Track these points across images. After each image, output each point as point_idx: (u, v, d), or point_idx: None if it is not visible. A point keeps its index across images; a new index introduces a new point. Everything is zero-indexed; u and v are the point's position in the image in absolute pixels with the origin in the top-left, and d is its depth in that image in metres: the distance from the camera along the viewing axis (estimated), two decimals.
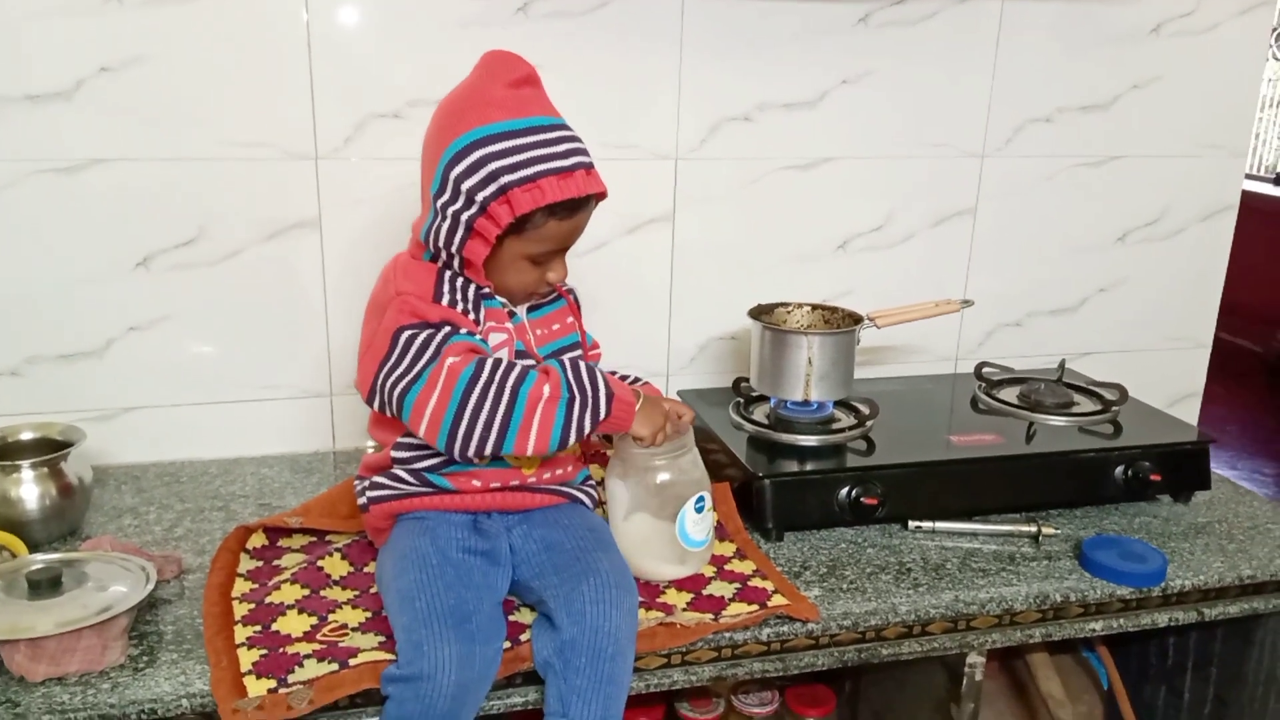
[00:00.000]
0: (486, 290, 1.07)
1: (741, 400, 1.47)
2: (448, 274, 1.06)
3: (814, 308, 1.47)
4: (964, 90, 1.63)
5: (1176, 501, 1.41)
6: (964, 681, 1.19)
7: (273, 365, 1.46)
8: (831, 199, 1.62)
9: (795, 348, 1.36)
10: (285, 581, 1.10)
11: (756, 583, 1.15)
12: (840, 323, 1.44)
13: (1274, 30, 1.75)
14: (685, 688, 1.08)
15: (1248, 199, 1.83)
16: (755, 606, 1.09)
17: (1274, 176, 5.58)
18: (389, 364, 1.01)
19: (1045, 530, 1.27)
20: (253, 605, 1.06)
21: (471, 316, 1.04)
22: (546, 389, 0.99)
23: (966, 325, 1.75)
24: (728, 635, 1.06)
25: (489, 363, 0.99)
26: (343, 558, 1.16)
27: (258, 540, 1.19)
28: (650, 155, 1.52)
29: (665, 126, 1.51)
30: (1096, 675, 1.52)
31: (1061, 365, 1.62)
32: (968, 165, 1.67)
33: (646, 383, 1.23)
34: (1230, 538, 1.31)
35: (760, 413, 1.44)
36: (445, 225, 1.02)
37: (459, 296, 1.04)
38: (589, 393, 1.01)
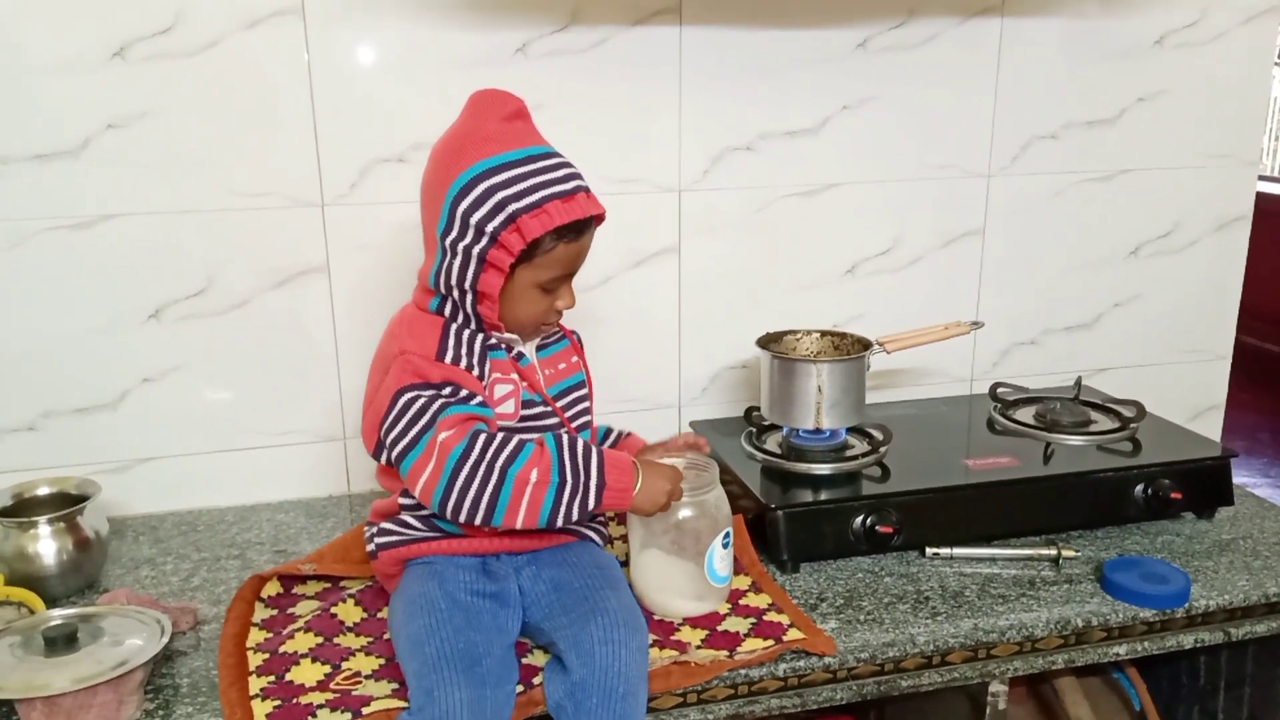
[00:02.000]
0: (493, 341, 1.08)
1: (754, 430, 1.46)
2: (453, 327, 1.06)
3: (823, 334, 1.47)
4: (967, 110, 1.63)
5: (1199, 519, 1.38)
6: (987, 711, 1.17)
7: (286, 411, 1.47)
8: (838, 224, 1.62)
9: (804, 376, 1.35)
10: (299, 630, 1.10)
11: (772, 616, 1.13)
12: (849, 349, 1.43)
13: None
14: None
15: (1267, 201, 1.81)
16: (771, 642, 1.08)
17: None
18: (388, 423, 1.02)
19: (1065, 553, 1.26)
20: (267, 655, 1.06)
21: (476, 372, 1.05)
22: (534, 473, 1.00)
23: (980, 345, 1.73)
24: (744, 672, 1.05)
25: (481, 440, 0.99)
26: (356, 603, 1.16)
27: (272, 588, 1.19)
28: (654, 188, 1.52)
29: (668, 159, 1.52)
30: (1127, 697, 1.49)
31: (1078, 383, 1.60)
32: (974, 185, 1.66)
33: (630, 434, 1.25)
34: (1255, 554, 1.29)
35: (773, 442, 1.43)
36: (457, 262, 1.03)
37: (464, 351, 1.05)
38: (580, 480, 1.01)
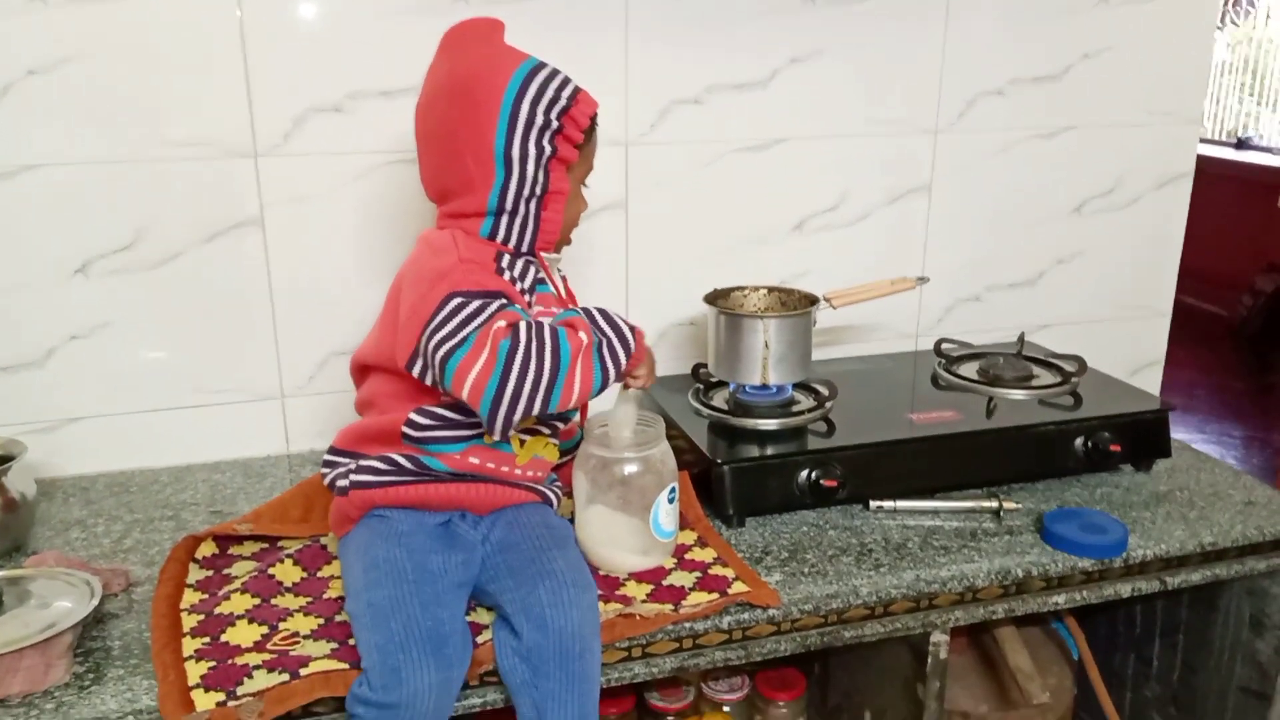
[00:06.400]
0: (541, 276, 1.10)
1: (701, 386, 1.45)
2: (505, 256, 1.07)
3: (770, 290, 1.46)
4: (915, 66, 1.62)
5: (1138, 471, 1.41)
6: (929, 660, 1.19)
7: (221, 368, 1.43)
8: (786, 180, 1.60)
9: (751, 331, 1.34)
10: (235, 591, 1.08)
11: (717, 570, 1.13)
12: (796, 304, 1.42)
13: None
14: (651, 680, 1.07)
15: (1209, 164, 1.83)
16: (715, 595, 1.08)
17: (1234, 141, 5.62)
18: (435, 323, 0.98)
19: (1006, 505, 1.27)
20: (202, 616, 1.04)
21: (526, 299, 1.07)
22: (583, 336, 1.01)
23: (925, 301, 1.74)
24: (688, 625, 1.05)
25: (523, 326, 0.98)
26: (295, 563, 1.14)
27: (208, 549, 1.17)
28: (601, 142, 1.49)
29: (614, 112, 1.49)
30: (1066, 646, 1.52)
31: (1021, 339, 1.61)
32: (921, 141, 1.66)
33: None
34: (1191, 505, 1.31)
35: (720, 398, 1.43)
36: (530, 166, 1.04)
37: (516, 276, 1.07)
38: (614, 332, 1.04)
